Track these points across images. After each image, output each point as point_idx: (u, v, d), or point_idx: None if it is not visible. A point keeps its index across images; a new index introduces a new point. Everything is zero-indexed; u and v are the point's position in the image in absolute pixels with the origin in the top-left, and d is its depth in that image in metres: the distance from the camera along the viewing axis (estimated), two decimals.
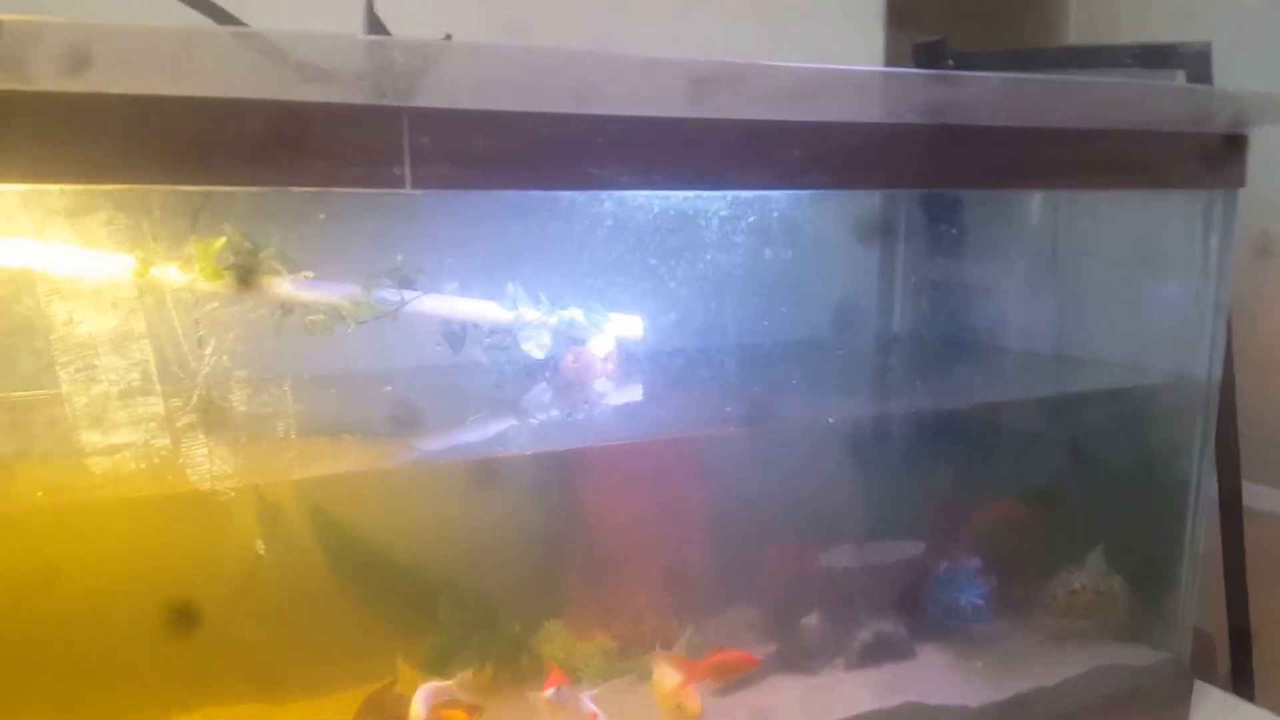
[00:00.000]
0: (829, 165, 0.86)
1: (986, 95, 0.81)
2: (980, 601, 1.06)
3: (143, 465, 0.74)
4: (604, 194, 0.94)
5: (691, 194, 0.95)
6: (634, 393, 1.05)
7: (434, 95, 0.73)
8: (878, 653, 1.05)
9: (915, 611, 1.07)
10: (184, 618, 0.84)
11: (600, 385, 1.04)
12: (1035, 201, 1.26)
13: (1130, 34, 1.61)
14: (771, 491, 1.04)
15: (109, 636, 0.83)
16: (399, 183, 0.73)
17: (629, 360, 1.04)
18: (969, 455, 1.11)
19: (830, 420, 1.01)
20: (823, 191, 1.00)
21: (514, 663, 1.01)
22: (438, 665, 0.96)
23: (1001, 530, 1.11)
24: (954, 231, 1.28)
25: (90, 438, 0.74)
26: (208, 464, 0.78)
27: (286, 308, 0.92)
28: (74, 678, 0.83)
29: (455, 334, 1.01)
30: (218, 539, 0.82)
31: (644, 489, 1.02)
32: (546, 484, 1.02)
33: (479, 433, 0.99)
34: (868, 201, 1.21)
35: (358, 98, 0.71)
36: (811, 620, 1.06)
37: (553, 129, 0.76)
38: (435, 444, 0.99)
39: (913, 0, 1.45)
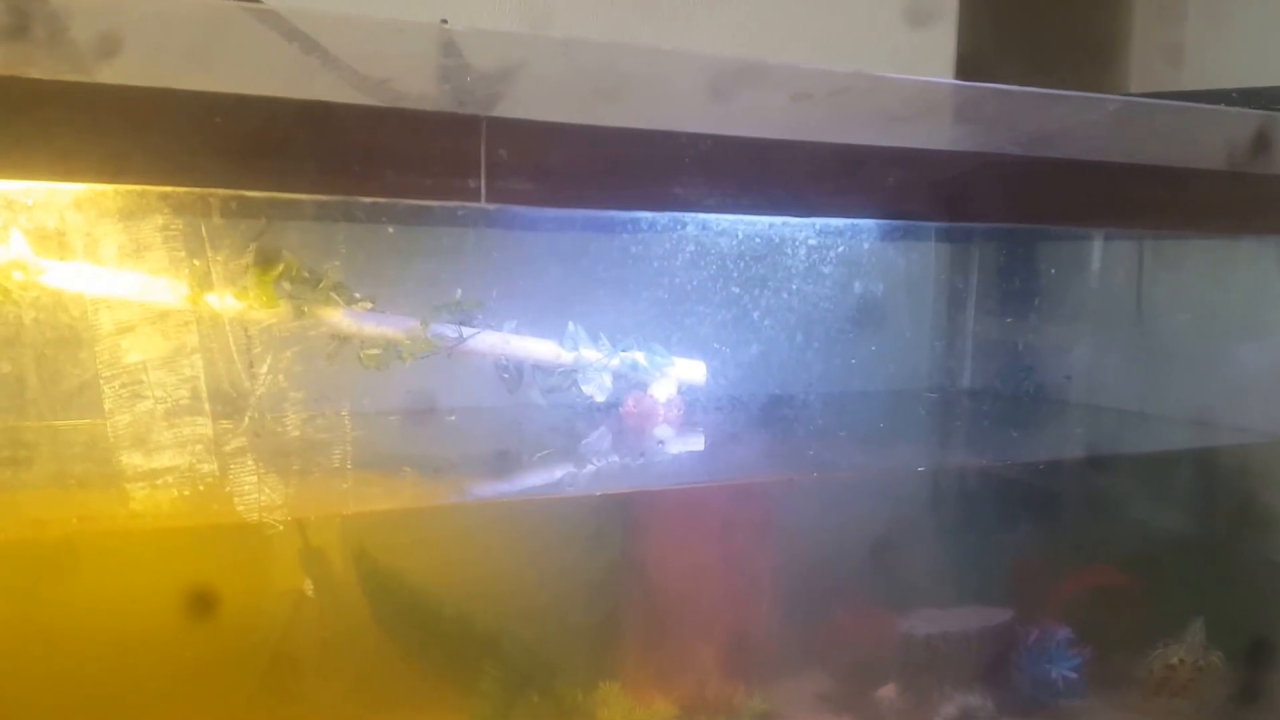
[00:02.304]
0: (925, 195, 0.81)
1: (1103, 121, 0.75)
2: (1073, 674, 0.98)
3: (185, 492, 0.69)
4: (666, 235, 0.89)
5: (758, 238, 0.90)
6: (696, 440, 0.99)
7: (514, 105, 0.68)
8: None
9: (1001, 684, 0.98)
10: (222, 661, 0.77)
11: (661, 431, 0.99)
12: (1119, 248, 1.20)
13: (1191, 81, 1.56)
14: (846, 548, 0.97)
15: (127, 675, 0.77)
16: (474, 196, 0.68)
17: (691, 406, 0.98)
18: (1059, 516, 1.03)
19: (919, 469, 0.94)
20: (892, 238, 0.95)
21: None
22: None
23: (1093, 598, 1.03)
24: (1031, 279, 1.22)
25: (130, 460, 0.68)
26: (255, 494, 0.72)
27: (341, 339, 0.87)
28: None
29: (512, 374, 0.97)
30: (261, 575, 0.76)
31: (709, 541, 0.95)
32: (606, 533, 0.95)
33: (538, 475, 0.93)
34: (938, 247, 1.15)
35: (435, 103, 0.67)
36: (889, 691, 0.98)
37: (637, 145, 0.71)
38: (491, 486, 0.93)
39: (982, 53, 1.41)
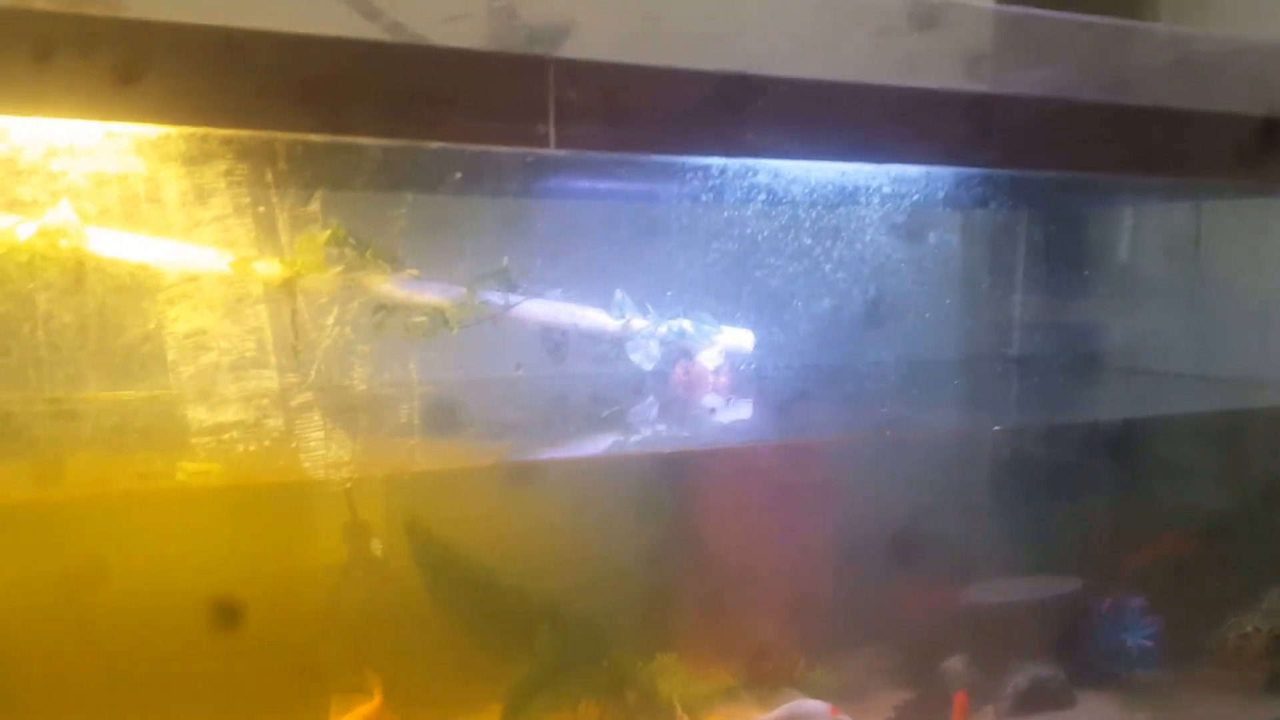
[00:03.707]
0: (1001, 142, 0.77)
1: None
2: (1149, 643, 0.94)
3: (249, 448, 0.66)
4: (717, 203, 0.85)
5: (808, 203, 0.86)
6: (746, 406, 0.96)
7: (582, 45, 0.64)
8: (1034, 700, 0.93)
9: (1073, 654, 0.95)
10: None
11: (711, 399, 0.96)
12: (1177, 208, 1.16)
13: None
14: (912, 515, 0.94)
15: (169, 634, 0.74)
16: (542, 141, 0.64)
17: (743, 373, 0.95)
18: (1131, 481, 1.00)
19: (995, 428, 0.90)
20: (945, 202, 0.91)
21: (621, 700, 0.90)
22: (531, 695, 0.85)
23: (1166, 566, 0.99)
24: (1087, 243, 1.18)
25: (195, 415, 0.65)
26: (317, 453, 0.68)
27: (388, 307, 0.84)
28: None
29: (558, 342, 0.93)
30: (321, 535, 0.73)
31: (768, 507, 0.92)
32: (660, 499, 0.92)
33: (591, 440, 0.90)
34: (990, 211, 1.11)
35: (500, 43, 0.63)
36: (956, 664, 0.95)
37: (709, 88, 0.68)
38: (547, 450, 0.90)
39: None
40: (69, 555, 0.63)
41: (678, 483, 0.91)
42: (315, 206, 0.73)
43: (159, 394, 0.69)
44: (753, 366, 0.91)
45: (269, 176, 0.68)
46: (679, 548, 0.93)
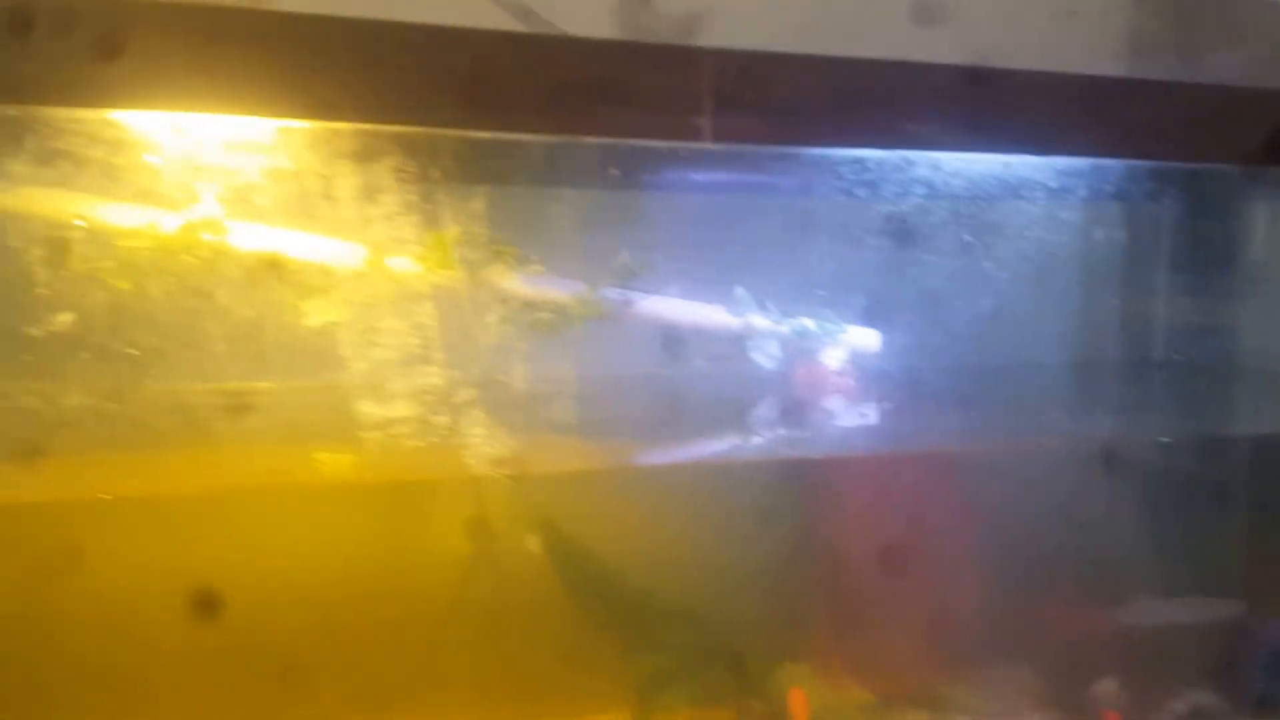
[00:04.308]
0: (1176, 132, 0.72)
1: None
2: None
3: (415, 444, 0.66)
4: (843, 197, 0.82)
5: (950, 196, 0.82)
6: (870, 410, 0.92)
7: (738, 35, 0.62)
8: None
9: (1237, 682, 0.89)
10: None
11: (833, 401, 0.92)
12: None
13: None
14: (1060, 526, 0.89)
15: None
16: (697, 135, 0.63)
17: (865, 375, 0.92)
18: None
19: (1164, 440, 0.85)
20: (1111, 196, 0.85)
21: (749, 707, 0.88)
22: (662, 693, 0.83)
23: None
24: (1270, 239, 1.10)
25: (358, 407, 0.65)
26: (456, 448, 0.68)
27: (511, 303, 0.84)
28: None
29: (676, 340, 0.91)
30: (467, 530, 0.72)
31: (906, 516, 0.88)
32: (792, 504, 0.89)
33: (717, 441, 0.88)
34: (1160, 206, 1.05)
35: (656, 35, 0.62)
36: (1108, 686, 0.89)
37: (870, 78, 0.65)
38: (676, 451, 0.89)
39: None
40: (231, 546, 0.64)
41: (811, 488, 0.88)
42: (443, 201, 0.73)
43: (292, 386, 0.69)
44: (887, 367, 0.87)
45: (400, 171, 0.68)
46: (812, 556, 0.90)
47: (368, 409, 0.65)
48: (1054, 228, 0.81)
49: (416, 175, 0.66)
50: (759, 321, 0.89)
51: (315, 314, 0.66)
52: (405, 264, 0.71)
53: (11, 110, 0.56)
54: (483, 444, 0.74)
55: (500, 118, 0.61)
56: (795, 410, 0.90)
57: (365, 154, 0.65)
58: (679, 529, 0.87)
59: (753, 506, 0.88)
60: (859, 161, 0.77)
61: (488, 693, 0.78)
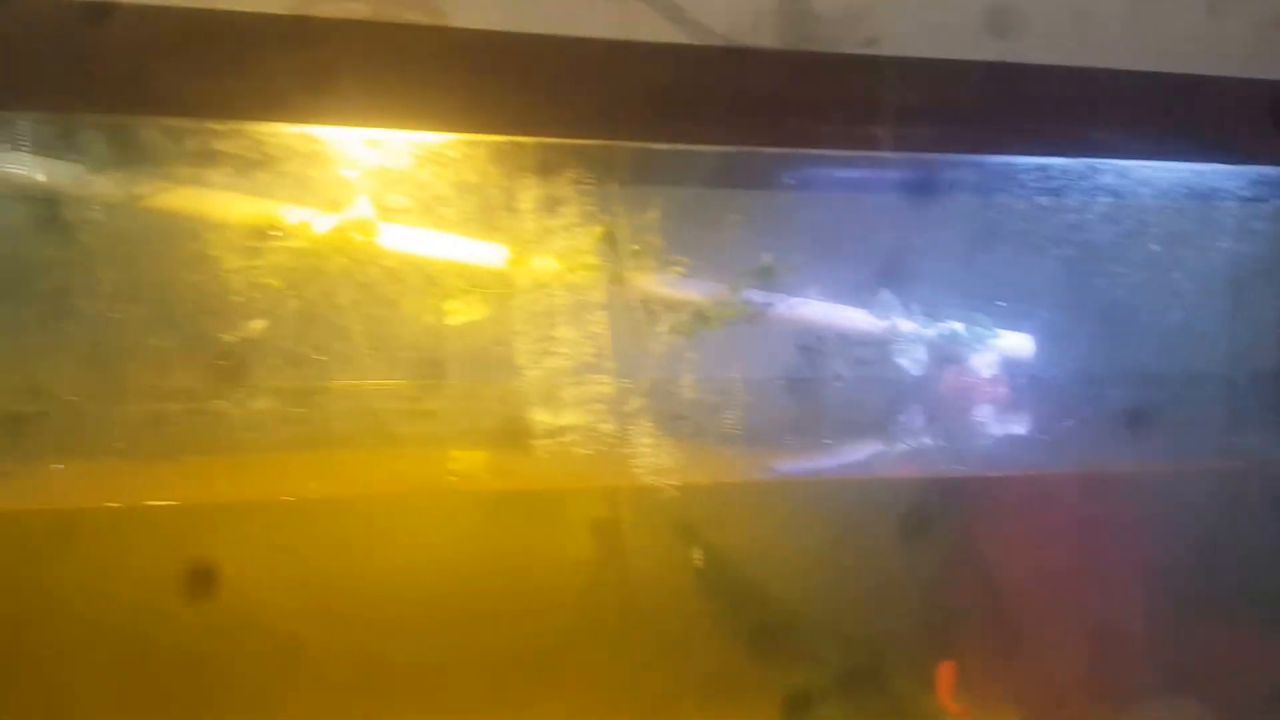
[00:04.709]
0: None
1: None
2: None
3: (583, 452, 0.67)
4: (995, 195, 0.79)
5: (1089, 198, 0.78)
6: (1021, 421, 0.89)
7: (915, 43, 0.61)
8: None
9: None
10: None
11: (985, 410, 0.89)
12: None
13: None
14: (1230, 552, 0.85)
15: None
16: (878, 143, 0.61)
17: (1018, 384, 0.88)
18: None
19: None
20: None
21: None
22: (801, 712, 0.83)
23: None
24: None
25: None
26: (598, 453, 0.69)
27: (651, 306, 0.84)
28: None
29: (814, 343, 0.90)
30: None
31: (1064, 537, 0.85)
32: (946, 518, 0.87)
33: (860, 453, 0.86)
34: None
35: (833, 44, 0.61)
36: None
37: (1050, 84, 0.63)
38: (819, 461, 0.87)
39: None
40: (406, 547, 0.66)
41: (964, 504, 0.86)
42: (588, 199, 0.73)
43: (465, 390, 0.70)
44: (1049, 376, 0.84)
45: (551, 172, 0.68)
46: (965, 575, 0.87)
47: (525, 413, 0.66)
48: (1244, 237, 0.77)
49: (572, 180, 0.67)
50: (908, 326, 0.88)
51: (457, 314, 0.68)
52: (556, 268, 0.71)
53: (216, 125, 0.58)
54: (620, 450, 0.74)
55: (678, 129, 0.61)
56: (947, 420, 0.88)
57: (520, 164, 0.66)
58: (825, 543, 0.85)
59: (903, 522, 0.86)
60: (1015, 165, 0.75)
61: (641, 705, 0.78)
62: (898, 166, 0.80)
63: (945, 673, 0.82)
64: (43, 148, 0.62)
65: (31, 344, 0.61)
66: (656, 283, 0.79)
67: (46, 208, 0.60)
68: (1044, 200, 0.74)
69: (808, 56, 0.61)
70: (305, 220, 0.62)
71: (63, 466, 0.60)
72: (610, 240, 0.68)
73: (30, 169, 0.62)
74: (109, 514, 0.60)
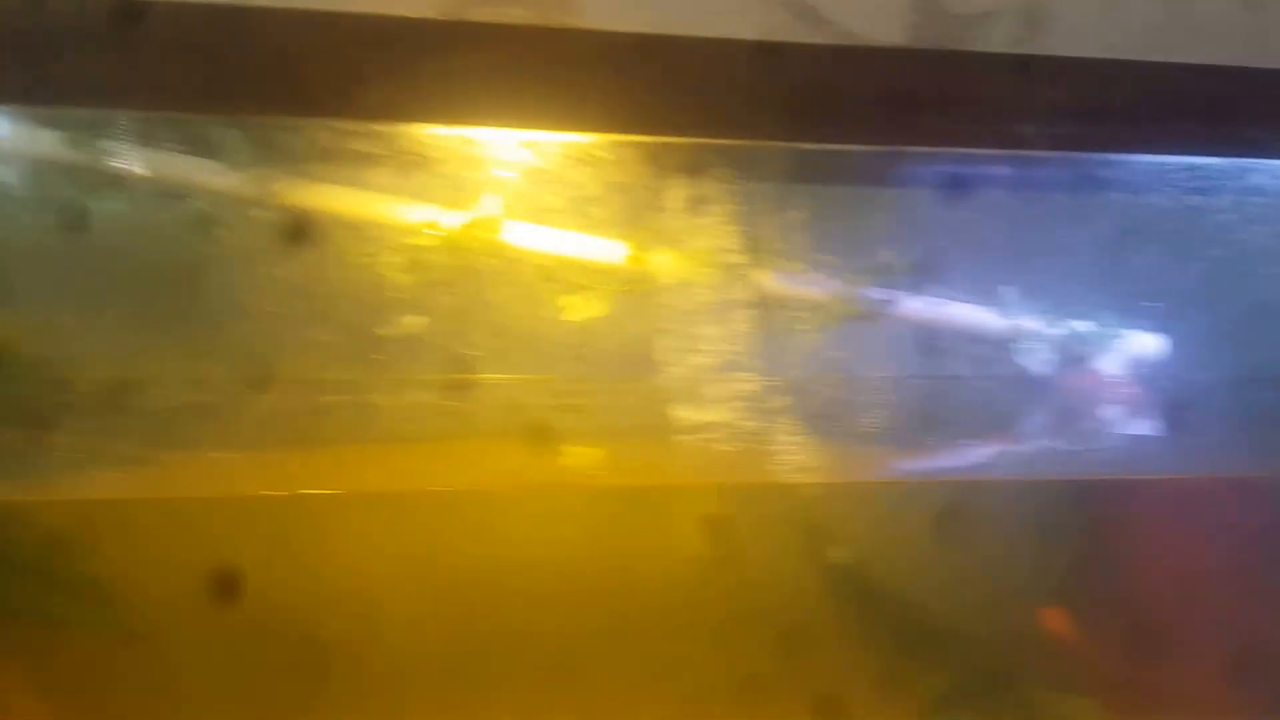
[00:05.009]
0: None
1: None
2: None
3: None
4: (1127, 193, 0.78)
5: (1240, 198, 0.76)
6: (1160, 424, 0.87)
7: (1063, 41, 0.60)
8: None
9: None
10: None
11: (1118, 412, 0.87)
12: None
13: None
14: None
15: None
16: (1025, 143, 0.61)
17: (1156, 386, 0.86)
18: None
19: None
20: None
21: None
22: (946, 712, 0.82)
23: None
24: None
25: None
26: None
27: (768, 303, 0.84)
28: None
29: (931, 341, 0.89)
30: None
31: (1213, 544, 0.83)
32: (1079, 522, 0.85)
33: (985, 453, 0.85)
34: None
35: (975, 42, 0.60)
36: None
37: (1206, 82, 0.62)
38: (943, 461, 0.86)
39: None
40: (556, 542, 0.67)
41: (1098, 508, 0.84)
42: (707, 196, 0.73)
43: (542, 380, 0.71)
44: (1190, 378, 0.82)
45: (668, 168, 0.69)
46: (1102, 583, 0.86)
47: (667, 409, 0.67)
48: None
49: (716, 179, 0.67)
50: (994, 324, 0.86)
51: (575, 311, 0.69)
52: (696, 266, 0.72)
53: (377, 127, 0.61)
54: (753, 447, 0.74)
55: (822, 130, 0.61)
56: (1078, 422, 0.86)
57: (666, 165, 0.66)
58: (953, 545, 0.84)
59: (1034, 525, 0.85)
60: (1153, 162, 0.73)
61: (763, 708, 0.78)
62: (1030, 164, 0.79)
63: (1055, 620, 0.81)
64: (202, 150, 0.65)
65: (198, 338, 0.64)
66: (792, 280, 0.79)
67: (210, 210, 0.63)
68: (1191, 200, 0.73)
69: (953, 55, 0.61)
70: (456, 220, 0.64)
71: (229, 455, 0.63)
72: (749, 238, 0.68)
73: (192, 171, 0.65)
74: (268, 502, 0.62)
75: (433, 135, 0.62)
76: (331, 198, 0.63)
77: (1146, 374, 0.86)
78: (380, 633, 0.65)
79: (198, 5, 0.56)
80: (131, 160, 0.61)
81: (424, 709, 0.69)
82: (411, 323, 0.63)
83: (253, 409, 0.63)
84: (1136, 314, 0.83)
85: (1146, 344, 0.86)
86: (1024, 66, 0.60)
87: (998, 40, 0.61)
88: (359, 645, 0.64)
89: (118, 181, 0.63)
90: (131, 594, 0.64)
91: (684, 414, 0.66)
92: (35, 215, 0.64)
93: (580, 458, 0.66)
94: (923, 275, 0.78)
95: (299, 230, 0.63)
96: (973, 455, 0.85)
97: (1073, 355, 0.87)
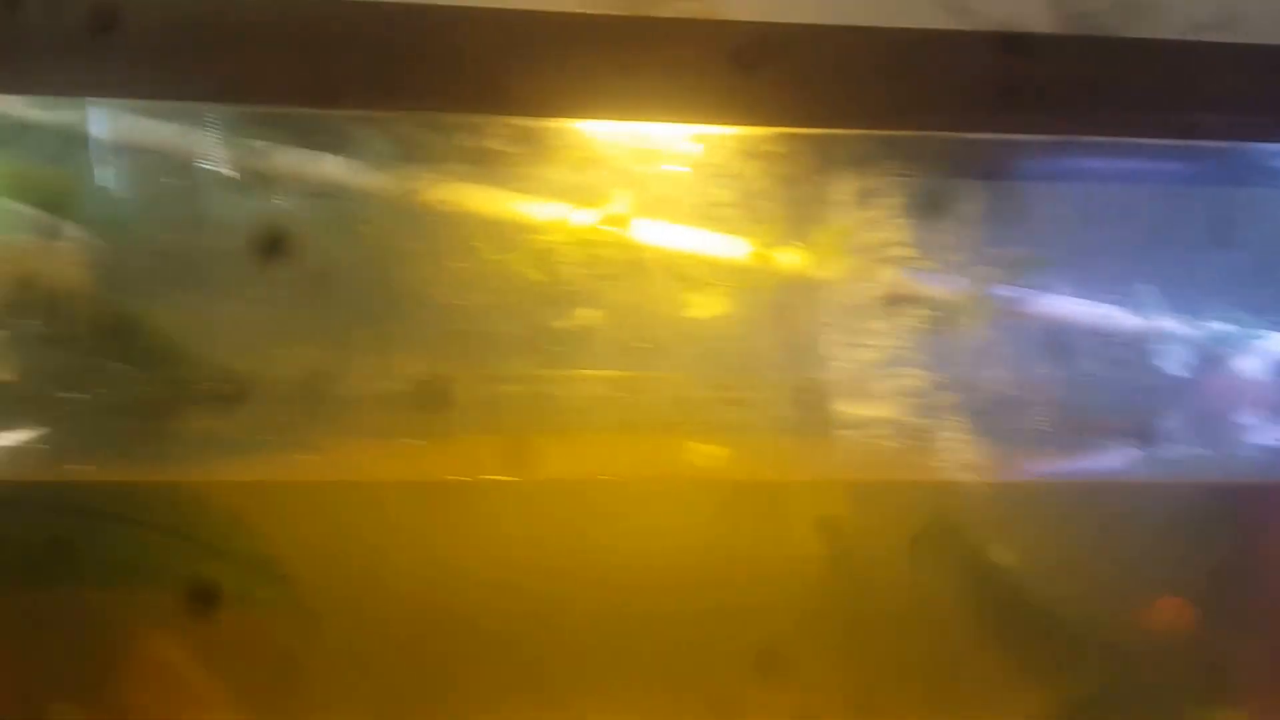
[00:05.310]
0: None
1: None
2: None
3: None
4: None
5: None
6: None
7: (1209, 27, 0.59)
8: None
9: None
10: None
11: (1250, 414, 0.84)
12: None
13: None
14: None
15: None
16: (1192, 133, 0.60)
17: None
18: None
19: None
20: None
21: None
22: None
23: None
24: None
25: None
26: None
27: (895, 301, 0.83)
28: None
29: (1062, 341, 0.87)
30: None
31: None
32: (1222, 529, 0.82)
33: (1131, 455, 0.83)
34: None
35: (1154, 28, 0.60)
36: None
37: None
38: (1075, 462, 0.84)
39: None
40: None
41: (1243, 514, 0.81)
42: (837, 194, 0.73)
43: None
44: None
45: (835, 162, 0.69)
46: (1249, 591, 0.83)
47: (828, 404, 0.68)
48: None
49: (880, 173, 0.68)
50: (1129, 323, 0.84)
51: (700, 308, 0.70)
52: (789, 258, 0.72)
53: (551, 124, 0.63)
54: (912, 444, 0.73)
55: (983, 120, 0.61)
56: (1217, 425, 0.84)
57: (830, 158, 0.67)
58: (1090, 549, 0.82)
59: (1175, 530, 0.82)
60: None
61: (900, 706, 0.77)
62: (1157, 155, 0.77)
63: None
64: (361, 149, 0.68)
65: (389, 329, 0.67)
66: (949, 277, 0.78)
67: (399, 209, 0.66)
68: None
69: (1122, 43, 0.61)
70: (627, 214, 0.66)
71: (413, 442, 0.66)
72: (914, 233, 0.68)
73: (360, 171, 0.68)
74: (447, 487, 0.65)
75: (606, 131, 0.64)
76: (510, 197, 0.66)
77: None
78: (543, 613, 0.67)
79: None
80: (321, 163, 0.65)
81: (585, 690, 0.71)
82: (585, 316, 0.66)
83: (434, 398, 0.66)
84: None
85: None
86: (1196, 52, 0.60)
87: (1172, 26, 0.60)
88: (522, 626, 0.66)
89: (307, 185, 0.66)
90: (309, 575, 0.67)
91: (848, 409, 0.66)
92: (228, 218, 0.68)
93: (743, 451, 0.67)
94: (1080, 271, 0.77)
95: (469, 225, 0.65)
96: (1121, 456, 0.83)
97: (1221, 357, 0.85)
